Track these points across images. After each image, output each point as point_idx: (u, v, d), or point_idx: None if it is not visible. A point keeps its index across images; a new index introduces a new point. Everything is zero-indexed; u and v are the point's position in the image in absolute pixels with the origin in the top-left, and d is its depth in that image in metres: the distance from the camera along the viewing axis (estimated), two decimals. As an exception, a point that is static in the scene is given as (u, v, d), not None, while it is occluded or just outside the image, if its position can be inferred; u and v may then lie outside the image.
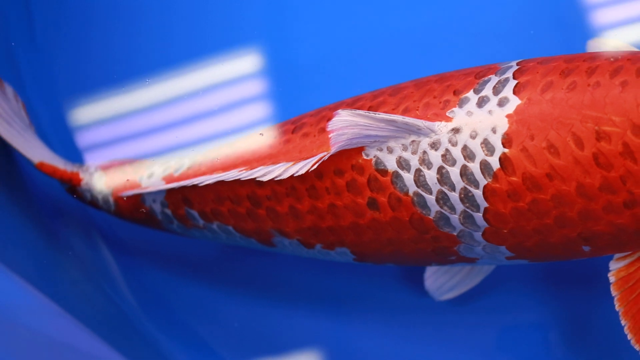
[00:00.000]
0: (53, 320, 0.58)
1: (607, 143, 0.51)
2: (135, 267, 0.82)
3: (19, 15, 0.84)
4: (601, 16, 0.80)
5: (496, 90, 0.54)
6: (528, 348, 0.79)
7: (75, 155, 0.79)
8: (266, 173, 0.59)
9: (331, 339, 0.82)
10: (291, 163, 0.58)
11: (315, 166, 0.57)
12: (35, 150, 0.73)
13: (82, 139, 0.81)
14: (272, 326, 0.80)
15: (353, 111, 0.55)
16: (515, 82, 0.54)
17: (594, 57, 0.54)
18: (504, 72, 0.55)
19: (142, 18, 0.84)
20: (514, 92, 0.54)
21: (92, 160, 0.81)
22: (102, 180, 0.72)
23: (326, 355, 0.80)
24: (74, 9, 0.84)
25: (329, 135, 0.56)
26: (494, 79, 0.55)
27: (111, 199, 0.71)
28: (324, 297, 0.82)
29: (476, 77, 0.57)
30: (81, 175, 0.72)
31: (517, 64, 0.57)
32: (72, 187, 0.73)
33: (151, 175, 0.69)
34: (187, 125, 0.82)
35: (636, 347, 0.60)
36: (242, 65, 0.84)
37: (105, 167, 0.73)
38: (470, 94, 0.55)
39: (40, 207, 0.80)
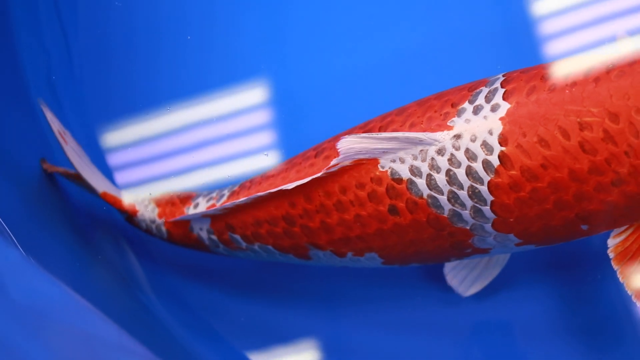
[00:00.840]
0: (85, 316, 0.60)
1: (590, 131, 0.56)
2: (158, 270, 0.86)
3: (60, 52, 0.91)
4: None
5: (488, 99, 0.60)
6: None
7: (106, 173, 0.84)
8: (294, 184, 0.65)
9: (329, 332, 0.85)
10: (313, 176, 0.64)
11: (333, 169, 0.62)
12: (99, 182, 0.79)
13: (113, 159, 0.86)
14: (276, 319, 0.84)
15: (358, 135, 0.62)
16: (503, 90, 0.60)
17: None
18: (492, 84, 0.61)
19: (161, 55, 0.90)
20: (504, 98, 0.59)
21: (122, 177, 0.87)
22: (155, 212, 0.77)
23: (325, 346, 0.83)
24: (105, 47, 0.91)
25: (340, 151, 0.62)
26: (485, 90, 0.61)
27: (163, 228, 0.76)
28: (323, 293, 0.85)
29: (469, 90, 0.62)
30: (137, 207, 0.78)
31: (503, 76, 0.62)
32: (129, 216, 0.79)
33: (197, 206, 0.75)
34: (201, 148, 0.87)
35: None
36: (248, 96, 0.89)
37: (158, 200, 0.79)
38: (466, 104, 0.61)
39: (76, 214, 0.85)
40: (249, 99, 0.89)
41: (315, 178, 0.64)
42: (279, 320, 0.84)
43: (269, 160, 0.79)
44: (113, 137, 0.89)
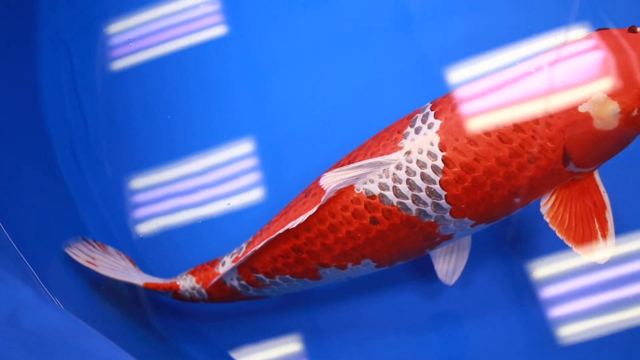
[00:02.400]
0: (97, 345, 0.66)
1: (503, 127, 0.67)
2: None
3: (77, 122, 1.02)
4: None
5: (424, 121, 0.71)
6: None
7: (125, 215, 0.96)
8: (296, 222, 0.72)
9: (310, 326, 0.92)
10: (308, 213, 0.72)
11: (323, 201, 0.71)
12: (138, 277, 0.86)
13: (130, 208, 0.97)
14: (265, 319, 0.92)
15: (333, 171, 0.71)
16: (433, 112, 0.71)
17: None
18: (424, 110, 0.72)
19: (167, 115, 1.01)
20: (435, 117, 0.70)
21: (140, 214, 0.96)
22: (192, 280, 0.85)
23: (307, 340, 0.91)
24: (114, 119, 1.03)
25: (323, 188, 0.71)
26: (420, 115, 0.71)
27: (203, 291, 0.84)
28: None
29: (408, 118, 0.73)
30: (178, 282, 0.85)
31: (430, 103, 0.73)
32: (174, 293, 0.85)
33: (224, 264, 0.83)
34: (204, 190, 0.96)
35: (588, 257, 0.71)
36: (240, 149, 0.99)
37: (192, 271, 0.86)
38: (408, 129, 0.71)
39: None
40: (241, 149, 0.98)
41: (312, 212, 0.72)
42: (268, 320, 0.92)
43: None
44: (130, 188, 0.98)
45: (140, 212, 0.99)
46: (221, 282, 0.82)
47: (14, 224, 0.86)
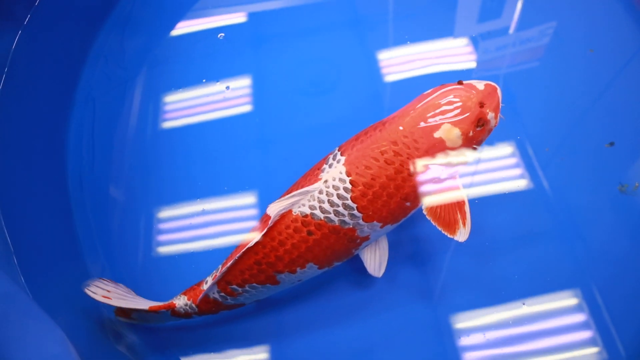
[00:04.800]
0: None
1: (386, 154, 0.82)
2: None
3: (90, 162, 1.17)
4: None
5: (334, 158, 0.85)
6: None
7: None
8: (253, 241, 0.83)
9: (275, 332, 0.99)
10: (261, 233, 0.83)
11: (271, 223, 0.82)
12: (143, 303, 0.93)
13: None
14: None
15: (276, 202, 0.83)
16: (340, 152, 0.85)
17: (367, 130, 0.87)
18: (334, 151, 0.86)
19: (175, 167, 1.16)
20: (341, 155, 0.84)
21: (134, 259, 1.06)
22: (185, 299, 0.92)
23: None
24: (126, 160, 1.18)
25: (269, 214, 0.83)
26: (331, 156, 0.86)
27: (194, 306, 0.91)
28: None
29: (324, 160, 0.87)
30: (174, 302, 0.93)
31: (337, 148, 0.87)
32: (172, 311, 0.92)
33: (207, 282, 0.91)
34: (204, 228, 1.09)
35: (452, 236, 0.84)
36: (243, 199, 1.11)
37: (184, 292, 0.93)
38: (325, 166, 0.85)
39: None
40: (243, 201, 1.11)
41: (264, 233, 0.83)
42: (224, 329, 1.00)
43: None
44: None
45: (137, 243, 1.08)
46: (206, 296, 0.90)
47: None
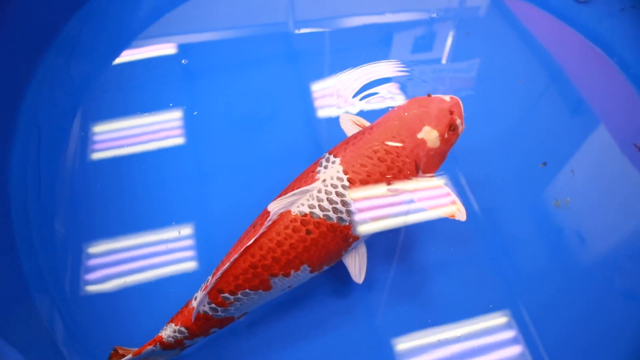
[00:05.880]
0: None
1: (379, 152, 0.89)
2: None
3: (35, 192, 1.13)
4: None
5: (327, 160, 0.89)
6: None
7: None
8: (252, 240, 0.84)
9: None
10: (261, 231, 0.84)
11: (269, 222, 0.84)
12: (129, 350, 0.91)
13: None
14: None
15: (276, 200, 0.85)
16: (331, 155, 0.90)
17: (355, 135, 0.94)
18: (324, 156, 0.91)
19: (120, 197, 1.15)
20: (334, 157, 0.89)
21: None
22: (172, 326, 0.90)
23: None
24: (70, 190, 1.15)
25: (269, 210, 0.85)
26: (323, 159, 0.91)
27: (183, 328, 0.89)
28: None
29: (315, 164, 0.91)
30: (161, 333, 0.91)
31: (328, 152, 0.92)
32: (161, 343, 0.90)
33: (196, 298, 0.89)
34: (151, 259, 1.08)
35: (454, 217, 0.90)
36: (184, 230, 1.11)
37: (169, 320, 0.91)
38: (319, 168, 0.89)
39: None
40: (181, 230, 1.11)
41: (261, 233, 0.84)
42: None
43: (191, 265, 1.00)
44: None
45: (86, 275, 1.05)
46: (193, 313, 0.88)
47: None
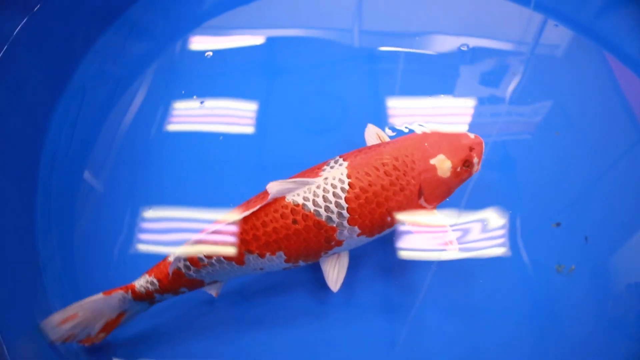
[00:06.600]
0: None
1: (387, 166, 0.89)
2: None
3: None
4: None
5: (336, 162, 0.91)
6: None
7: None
8: (245, 214, 0.86)
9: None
10: (257, 207, 0.86)
11: (270, 200, 0.85)
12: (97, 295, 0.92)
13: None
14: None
15: (277, 182, 0.86)
16: (342, 159, 0.91)
17: (371, 146, 0.95)
18: (335, 158, 0.92)
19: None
20: (344, 161, 0.90)
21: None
22: (146, 277, 0.93)
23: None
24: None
25: (268, 191, 0.86)
26: (332, 160, 0.92)
27: (155, 280, 0.92)
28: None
29: (323, 163, 0.93)
30: (134, 282, 0.94)
31: (339, 156, 0.93)
32: (133, 291, 0.92)
33: (173, 254, 0.92)
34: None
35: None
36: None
37: (147, 272, 0.94)
38: (325, 167, 0.91)
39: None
40: None
41: (259, 207, 0.87)
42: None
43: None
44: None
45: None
46: (169, 268, 0.91)
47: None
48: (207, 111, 1.31)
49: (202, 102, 1.30)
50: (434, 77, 1.39)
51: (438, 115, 1.30)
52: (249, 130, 1.27)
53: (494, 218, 1.17)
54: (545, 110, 1.34)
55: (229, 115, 1.29)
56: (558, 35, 1.41)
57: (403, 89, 1.36)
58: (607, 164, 1.28)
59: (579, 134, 1.30)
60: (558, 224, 1.19)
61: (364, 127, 1.16)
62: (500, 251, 1.12)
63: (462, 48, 1.43)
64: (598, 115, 1.32)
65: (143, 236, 1.12)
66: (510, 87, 1.38)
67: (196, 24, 1.49)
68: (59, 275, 1.09)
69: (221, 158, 1.22)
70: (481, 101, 1.36)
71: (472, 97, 1.33)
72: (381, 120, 1.27)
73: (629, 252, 1.16)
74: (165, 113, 1.32)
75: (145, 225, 1.14)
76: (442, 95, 1.34)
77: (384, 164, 0.90)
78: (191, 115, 1.31)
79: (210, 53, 1.42)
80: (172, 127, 1.29)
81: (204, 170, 1.21)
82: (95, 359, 0.99)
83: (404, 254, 1.07)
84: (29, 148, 1.24)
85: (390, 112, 1.29)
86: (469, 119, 1.32)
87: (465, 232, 1.14)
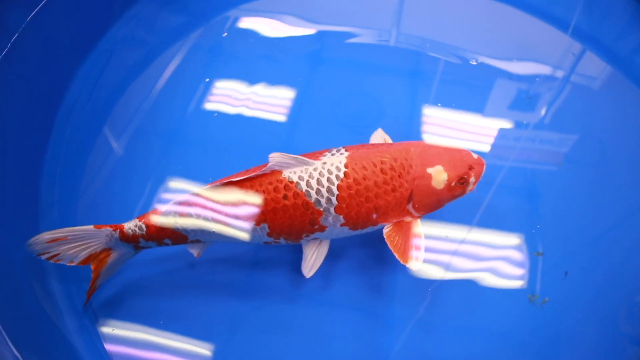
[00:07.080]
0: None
1: (384, 164, 0.89)
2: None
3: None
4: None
5: (338, 151, 0.92)
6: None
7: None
8: (239, 178, 0.87)
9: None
10: (256, 173, 0.88)
11: (267, 170, 0.87)
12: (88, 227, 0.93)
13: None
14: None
15: (280, 153, 0.87)
16: (344, 149, 0.92)
17: (376, 144, 0.95)
18: (337, 148, 0.93)
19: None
20: (345, 151, 0.91)
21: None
22: (136, 221, 0.95)
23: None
24: None
25: (269, 159, 0.87)
26: (334, 149, 0.93)
27: (143, 226, 0.94)
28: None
29: (326, 150, 0.94)
30: (124, 224, 0.95)
31: (342, 147, 0.94)
32: (121, 231, 0.94)
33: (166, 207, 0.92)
34: None
35: (406, 264, 0.88)
36: None
37: (138, 217, 0.96)
38: (327, 153, 0.92)
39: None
40: None
41: (258, 174, 0.88)
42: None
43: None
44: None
45: None
46: (159, 215, 0.93)
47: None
48: (239, 94, 1.32)
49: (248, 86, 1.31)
50: (469, 90, 1.38)
51: (464, 132, 1.31)
52: (282, 118, 1.27)
53: (492, 239, 1.17)
54: (572, 143, 1.29)
55: (263, 102, 1.29)
56: (594, 66, 1.39)
57: (438, 97, 1.35)
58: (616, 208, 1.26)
59: (584, 168, 1.30)
60: (540, 254, 1.18)
61: (394, 131, 1.16)
62: (476, 273, 1.13)
63: (498, 66, 1.42)
64: (624, 153, 1.28)
65: (157, 205, 1.12)
66: (540, 113, 1.37)
67: (240, 1, 1.50)
68: (56, 224, 1.11)
69: (248, 141, 1.22)
70: (509, 123, 1.35)
71: (501, 117, 1.31)
72: (412, 128, 1.26)
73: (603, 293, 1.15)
74: (193, 88, 1.33)
75: (161, 195, 1.15)
76: (473, 113, 1.34)
77: (382, 162, 0.91)
78: (221, 94, 1.32)
79: (250, 36, 1.43)
80: (200, 104, 1.30)
81: (230, 152, 1.21)
82: (83, 313, 1.03)
83: (381, 256, 1.08)
84: (50, 97, 1.25)
85: (423, 119, 1.28)
86: (491, 140, 1.31)
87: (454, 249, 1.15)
